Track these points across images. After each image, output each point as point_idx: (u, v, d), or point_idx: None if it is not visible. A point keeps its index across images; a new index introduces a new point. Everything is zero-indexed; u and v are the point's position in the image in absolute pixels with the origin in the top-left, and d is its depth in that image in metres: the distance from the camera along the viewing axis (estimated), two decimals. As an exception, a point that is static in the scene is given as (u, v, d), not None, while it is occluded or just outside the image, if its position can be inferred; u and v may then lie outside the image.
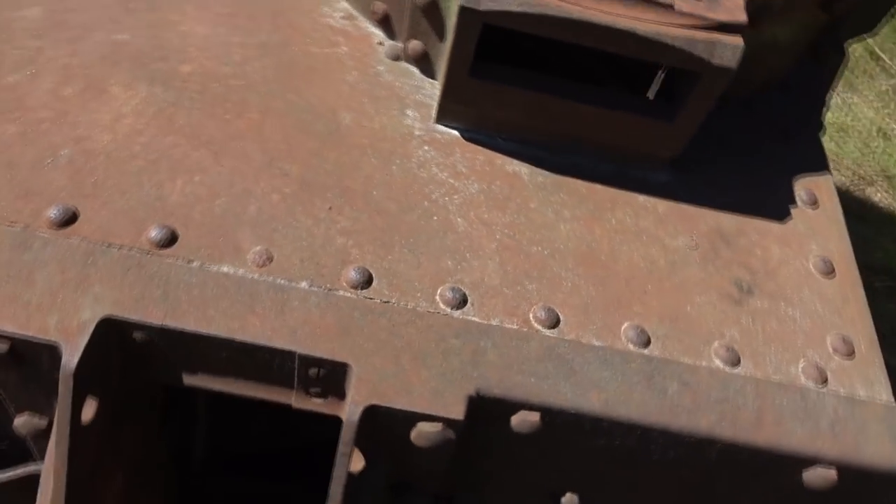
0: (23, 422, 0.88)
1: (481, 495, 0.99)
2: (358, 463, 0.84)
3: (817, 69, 1.29)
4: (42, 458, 0.96)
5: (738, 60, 0.88)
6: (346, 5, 1.16)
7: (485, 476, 0.95)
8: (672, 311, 0.91)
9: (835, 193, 1.12)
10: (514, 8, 0.85)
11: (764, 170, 1.12)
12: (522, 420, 0.81)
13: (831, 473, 0.84)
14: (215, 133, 0.95)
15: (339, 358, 0.78)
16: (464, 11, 0.87)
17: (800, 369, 0.89)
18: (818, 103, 1.26)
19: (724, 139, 1.15)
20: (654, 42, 0.87)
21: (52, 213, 0.82)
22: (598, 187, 1.03)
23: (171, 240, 0.83)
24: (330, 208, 0.91)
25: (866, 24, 1.32)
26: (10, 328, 0.74)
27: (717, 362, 0.87)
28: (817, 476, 0.84)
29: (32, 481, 0.98)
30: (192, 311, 0.78)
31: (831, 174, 1.15)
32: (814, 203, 1.09)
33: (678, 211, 1.03)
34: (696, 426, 0.82)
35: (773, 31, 1.06)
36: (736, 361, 0.88)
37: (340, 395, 0.83)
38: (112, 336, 0.77)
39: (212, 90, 1.00)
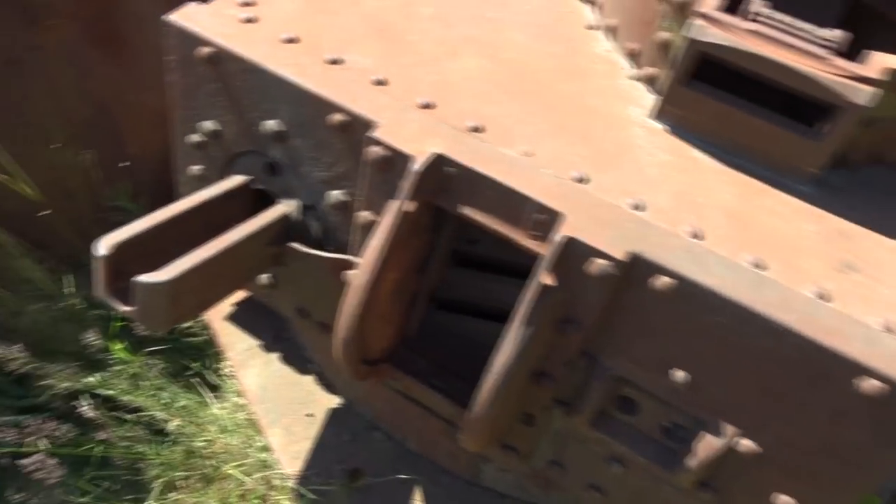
0: (362, 216, 1.50)
1: (616, 360, 1.41)
2: (544, 285, 1.32)
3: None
4: (357, 249, 1.57)
5: (871, 102, 1.29)
6: (609, 44, 1.74)
7: (621, 340, 1.37)
8: (786, 258, 1.30)
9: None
10: (720, 41, 1.36)
11: (896, 209, 1.46)
12: (661, 281, 1.24)
13: (880, 385, 1.15)
14: (515, 90, 1.55)
15: (558, 209, 1.30)
16: (691, 42, 1.39)
17: (875, 321, 1.22)
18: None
19: (869, 183, 1.51)
20: (814, 80, 1.32)
21: (419, 100, 1.46)
22: (754, 181, 1.45)
23: (478, 129, 1.42)
24: (571, 143, 1.45)
25: None
26: (393, 143, 1.37)
27: (811, 295, 1.24)
28: (870, 385, 1.16)
29: (345, 266, 1.59)
30: (483, 162, 1.35)
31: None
32: (931, 237, 1.40)
33: (812, 210, 1.42)
34: (782, 318, 1.19)
35: (921, 107, 1.43)
36: (827, 300, 1.24)
37: (548, 238, 1.33)
38: (436, 166, 1.36)
39: (518, 69, 1.62)
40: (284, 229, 1.65)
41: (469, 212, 1.39)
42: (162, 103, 2.31)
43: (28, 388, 2.16)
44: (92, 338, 2.00)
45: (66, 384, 1.97)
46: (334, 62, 1.51)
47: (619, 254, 1.24)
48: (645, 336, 1.34)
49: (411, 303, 1.77)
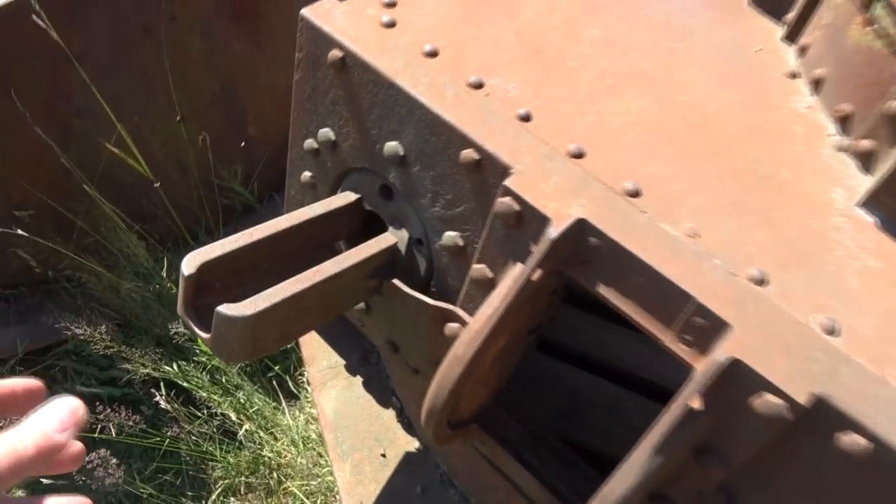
0: (478, 269, 1.29)
1: (761, 508, 1.12)
2: (691, 409, 1.06)
3: None
4: (465, 301, 1.36)
5: None
6: (812, 99, 1.41)
7: (778, 492, 1.08)
8: None
9: None
10: None
11: None
12: (851, 439, 0.94)
13: None
14: (686, 146, 1.27)
15: (724, 317, 1.02)
16: (938, 122, 1.06)
17: None
18: None
19: None
20: None
21: (572, 147, 1.21)
22: None
23: (635, 193, 1.16)
24: (751, 227, 1.16)
25: None
26: (529, 199, 1.13)
27: None
28: None
29: (449, 318, 1.39)
30: (636, 238, 1.09)
31: None
32: None
33: None
34: None
35: None
36: None
37: (705, 349, 1.06)
38: (578, 233, 1.11)
39: (692, 118, 1.33)
40: (389, 262, 1.46)
41: (609, 294, 1.14)
42: (288, 86, 2.19)
43: (113, 361, 2.11)
44: (179, 326, 1.91)
45: (146, 370, 1.90)
46: (477, 86, 1.29)
47: (799, 394, 0.95)
48: (813, 496, 1.04)
49: (512, 362, 1.55)
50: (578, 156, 1.21)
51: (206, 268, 1.23)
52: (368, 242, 1.42)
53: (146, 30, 1.97)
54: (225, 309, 1.16)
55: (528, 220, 1.15)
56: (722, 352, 0.99)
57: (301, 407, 2.15)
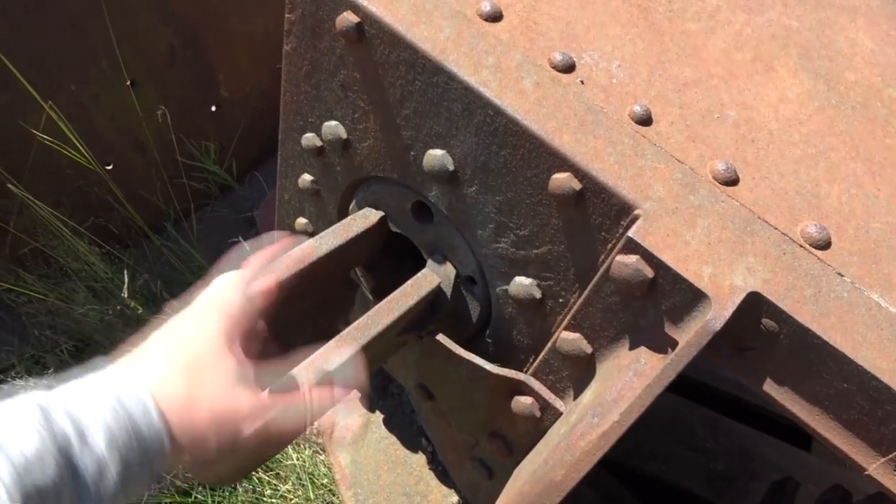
0: (569, 339, 0.90)
1: None
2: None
3: None
4: (542, 371, 0.98)
5: None
6: None
7: None
8: None
9: None
10: None
11: None
12: None
13: None
14: (875, 152, 0.87)
15: None
16: None
17: None
18: None
19: None
20: None
21: (720, 167, 0.80)
22: None
23: (825, 244, 0.76)
24: None
25: None
26: (668, 260, 0.73)
27: None
28: None
29: (517, 390, 1.01)
30: (839, 326, 0.71)
31: None
32: None
33: None
34: None
35: None
36: None
37: (946, 495, 0.70)
38: (748, 314, 0.72)
39: (874, 107, 0.92)
40: (428, 309, 1.07)
41: (784, 398, 0.76)
42: (268, 31, 1.74)
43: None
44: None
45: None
46: (566, 68, 0.85)
47: None
48: None
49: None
50: (731, 182, 0.80)
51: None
52: (403, 289, 1.02)
53: (73, -34, 1.46)
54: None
55: (666, 291, 0.75)
56: None
57: (306, 437, 1.79)
